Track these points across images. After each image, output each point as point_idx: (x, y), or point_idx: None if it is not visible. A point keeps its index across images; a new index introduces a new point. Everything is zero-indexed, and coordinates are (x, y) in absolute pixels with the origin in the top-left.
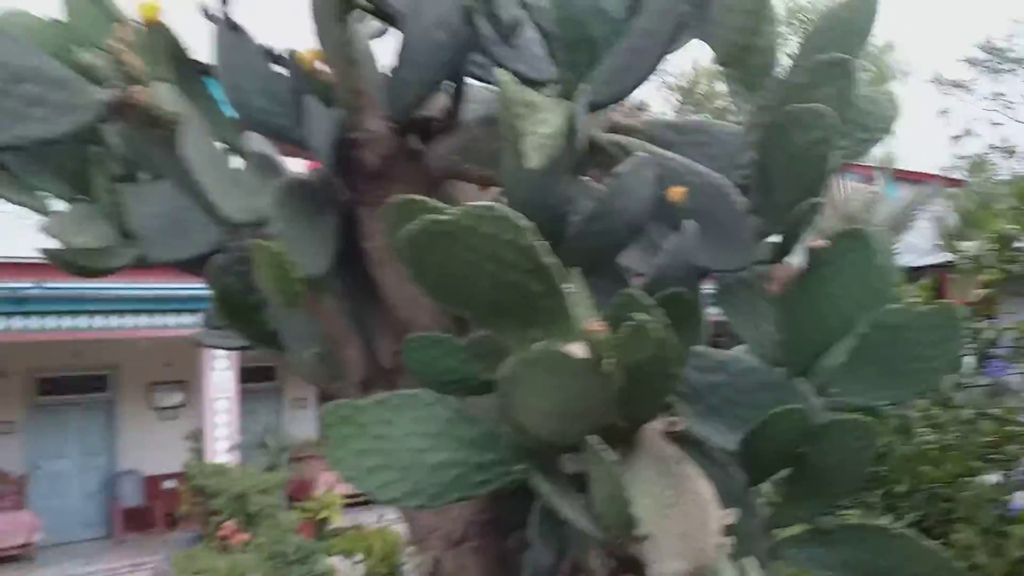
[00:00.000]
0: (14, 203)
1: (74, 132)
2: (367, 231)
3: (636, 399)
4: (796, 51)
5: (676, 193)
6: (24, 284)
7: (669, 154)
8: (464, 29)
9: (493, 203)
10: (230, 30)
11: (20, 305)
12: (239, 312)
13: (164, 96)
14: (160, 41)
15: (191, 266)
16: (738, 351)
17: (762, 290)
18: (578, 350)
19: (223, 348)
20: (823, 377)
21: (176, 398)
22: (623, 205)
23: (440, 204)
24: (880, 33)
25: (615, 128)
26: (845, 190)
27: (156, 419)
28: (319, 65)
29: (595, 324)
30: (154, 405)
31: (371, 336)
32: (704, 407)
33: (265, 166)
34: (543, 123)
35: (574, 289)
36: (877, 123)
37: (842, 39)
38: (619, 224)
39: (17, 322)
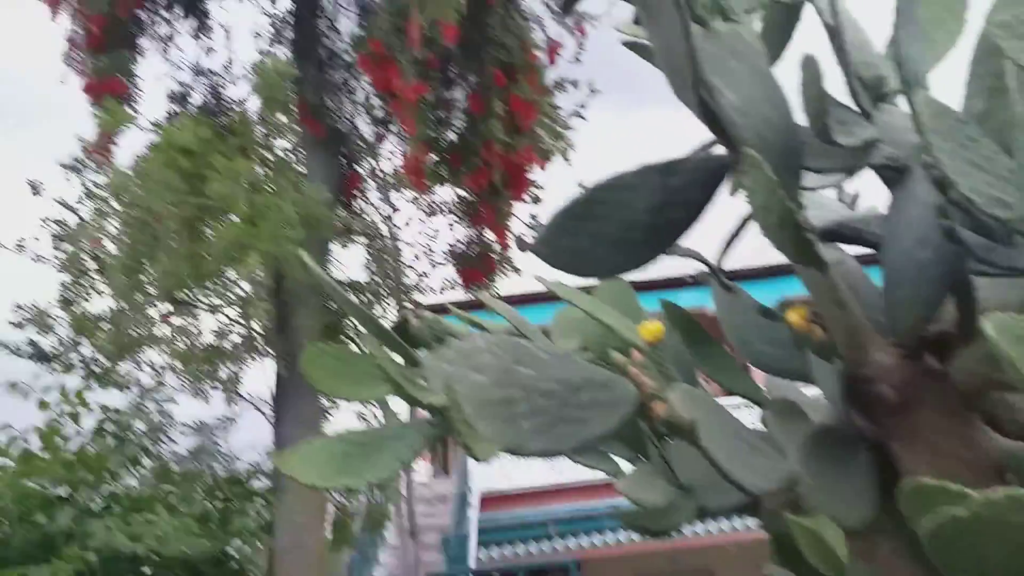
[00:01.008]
0: (596, 470)
1: (622, 424)
2: (905, 466)
3: None
4: None
5: None
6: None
7: None
8: (948, 244)
9: (1015, 489)
10: (726, 291)
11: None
12: (794, 556)
13: (678, 404)
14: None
15: (745, 510)
16: None
17: None
18: None
19: None
20: None
21: None
22: None
23: (957, 488)
24: None
25: None
26: None
27: None
28: (808, 322)
29: None
30: None
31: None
32: None
33: (787, 412)
34: None
35: None
36: None
37: None
38: None
39: (623, 535)
